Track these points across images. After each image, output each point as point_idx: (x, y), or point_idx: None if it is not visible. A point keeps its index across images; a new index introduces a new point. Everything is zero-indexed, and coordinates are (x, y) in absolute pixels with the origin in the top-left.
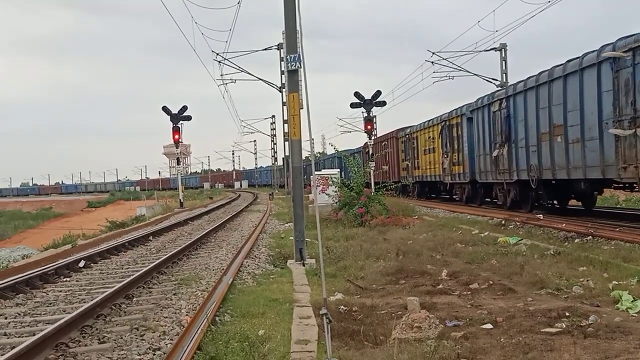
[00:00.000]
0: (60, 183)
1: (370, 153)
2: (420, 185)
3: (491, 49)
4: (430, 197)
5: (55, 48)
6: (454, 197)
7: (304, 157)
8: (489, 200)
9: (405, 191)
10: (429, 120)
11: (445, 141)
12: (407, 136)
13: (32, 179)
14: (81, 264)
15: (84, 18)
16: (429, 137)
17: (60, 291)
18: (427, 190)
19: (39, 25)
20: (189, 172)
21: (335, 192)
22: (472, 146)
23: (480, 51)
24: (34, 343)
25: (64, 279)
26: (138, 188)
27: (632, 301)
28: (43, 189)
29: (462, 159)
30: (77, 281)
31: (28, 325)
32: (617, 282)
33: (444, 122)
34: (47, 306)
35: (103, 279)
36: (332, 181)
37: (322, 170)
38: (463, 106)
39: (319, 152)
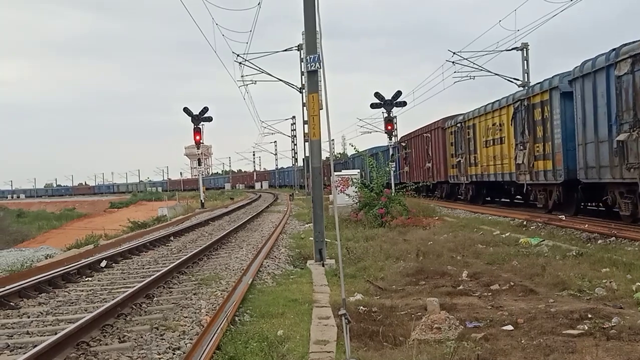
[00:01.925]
0: (95, 184)
1: (405, 149)
2: (475, 187)
3: (512, 49)
4: (490, 202)
5: (76, 50)
6: (535, 202)
7: (324, 157)
8: (592, 207)
9: (418, 192)
10: (493, 103)
11: (522, 128)
12: (459, 125)
13: (55, 179)
14: (103, 263)
15: (105, 20)
16: (494, 124)
17: (82, 291)
18: (486, 192)
19: (61, 27)
20: (210, 173)
21: (356, 192)
22: (569, 132)
23: (502, 51)
24: (56, 342)
25: (86, 279)
26: (158, 188)
27: None
28: (76, 190)
29: (551, 150)
30: (98, 281)
31: (50, 324)
32: None
33: (518, 103)
34: (69, 305)
35: (124, 279)
36: (352, 181)
37: (348, 170)
38: (553, 77)
39: (339, 153)
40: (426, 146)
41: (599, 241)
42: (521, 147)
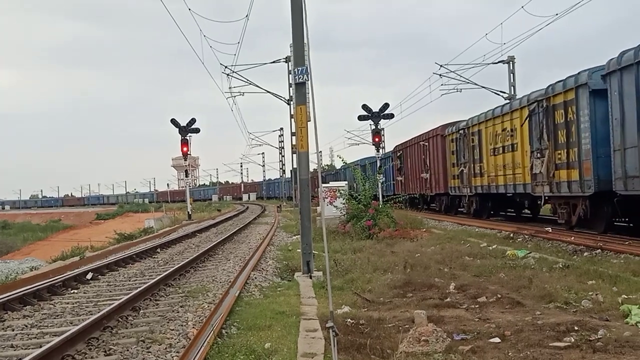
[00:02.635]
0: (82, 195)
1: (399, 159)
2: (480, 199)
3: (499, 62)
4: (494, 214)
5: (63, 59)
6: (550, 217)
7: (312, 169)
8: (625, 223)
9: (413, 204)
10: (503, 106)
11: (539, 133)
12: (461, 132)
13: (41, 191)
14: (89, 275)
15: (92, 29)
16: (504, 130)
17: (68, 303)
18: (492, 205)
19: (46, 36)
20: (197, 185)
21: (343, 204)
22: (601, 136)
23: (488, 64)
24: (40, 355)
25: (72, 291)
26: (145, 200)
27: None
28: (67, 201)
29: (576, 158)
30: (84, 293)
31: (35, 337)
32: (626, 296)
33: (535, 104)
34: (54, 318)
35: (110, 291)
36: (340, 193)
37: (336, 182)
38: (579, 73)
39: (327, 165)
40: (423, 155)
41: (585, 253)
42: (538, 155)
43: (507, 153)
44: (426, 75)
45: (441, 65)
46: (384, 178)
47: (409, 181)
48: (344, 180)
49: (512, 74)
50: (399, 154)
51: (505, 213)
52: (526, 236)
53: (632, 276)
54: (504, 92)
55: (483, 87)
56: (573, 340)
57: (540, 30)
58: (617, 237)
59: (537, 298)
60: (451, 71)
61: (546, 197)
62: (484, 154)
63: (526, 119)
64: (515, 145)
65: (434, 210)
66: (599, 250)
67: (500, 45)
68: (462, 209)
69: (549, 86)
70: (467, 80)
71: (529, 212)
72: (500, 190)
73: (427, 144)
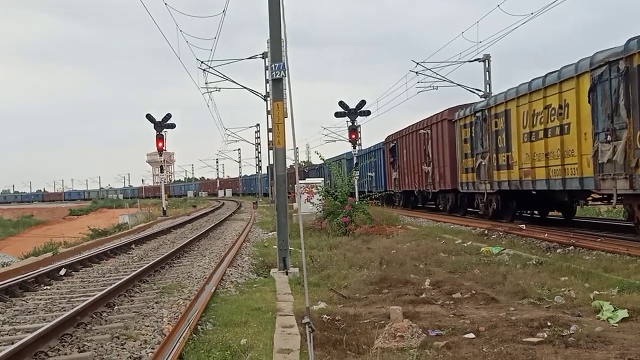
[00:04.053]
0: (62, 189)
1: (393, 151)
2: (503, 198)
3: (475, 60)
4: (526, 215)
5: (38, 56)
6: (630, 224)
7: (289, 165)
8: None
9: (390, 201)
10: (545, 76)
11: (612, 106)
12: (478, 115)
13: (13, 186)
14: (62, 272)
15: (68, 25)
16: (546, 108)
17: (41, 299)
18: (516, 204)
19: (23, 32)
20: (172, 180)
21: (320, 200)
22: None
23: (464, 62)
24: (13, 352)
25: (45, 287)
26: (127, 195)
27: (613, 311)
28: (47, 196)
29: None
30: (57, 289)
31: (7, 334)
32: (598, 292)
33: (606, 67)
34: (27, 314)
35: (84, 287)
36: (317, 189)
37: (312, 178)
38: None
39: (303, 161)
40: (424, 146)
41: (558, 250)
42: (608, 137)
43: (551, 137)
44: (402, 73)
45: (418, 63)
46: (373, 173)
47: (405, 176)
48: (328, 176)
49: (487, 72)
50: (392, 146)
51: (530, 215)
52: (500, 233)
53: (604, 272)
54: (479, 90)
55: (459, 84)
56: (546, 335)
57: (515, 29)
58: (590, 234)
59: (511, 294)
60: (428, 69)
61: (620, 197)
62: (513, 140)
63: (590, 89)
64: (567, 127)
65: (430, 209)
66: (572, 247)
67: (476, 44)
68: (477, 210)
69: (630, 40)
70: (443, 78)
71: (560, 214)
72: (539, 186)
73: (429, 131)
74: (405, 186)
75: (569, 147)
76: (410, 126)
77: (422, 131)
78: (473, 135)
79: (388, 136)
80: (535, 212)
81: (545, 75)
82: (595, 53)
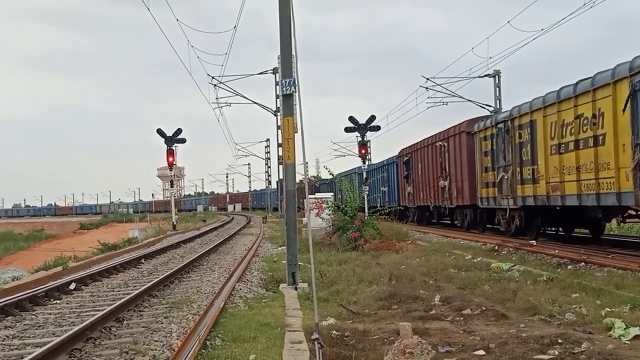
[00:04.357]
0: (73, 203)
1: (407, 165)
2: (526, 214)
3: (485, 75)
4: (550, 232)
5: (49, 67)
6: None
7: (298, 180)
8: None
9: (403, 216)
10: (576, 84)
11: None
12: (501, 126)
13: (24, 200)
14: (72, 286)
15: (78, 38)
16: (577, 117)
17: (50, 314)
18: (541, 221)
19: (33, 43)
20: (183, 195)
21: (329, 215)
22: None
23: (474, 77)
24: None
25: (54, 302)
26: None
27: (625, 328)
28: (59, 210)
29: None
30: (67, 303)
31: (16, 349)
32: (609, 309)
33: None
34: (36, 329)
35: (94, 302)
36: (326, 204)
37: (322, 193)
38: None
39: (313, 176)
40: (440, 159)
41: (569, 266)
42: None
43: (583, 149)
44: (412, 88)
45: (428, 79)
46: (386, 187)
47: (419, 190)
48: (339, 191)
49: (497, 88)
50: (406, 159)
51: (555, 232)
52: (511, 249)
53: (615, 289)
54: (490, 105)
55: (469, 100)
56: (557, 353)
57: (525, 45)
58: (601, 251)
59: (521, 311)
60: (437, 84)
61: None
62: (539, 152)
63: (630, 97)
64: (601, 138)
65: (445, 224)
66: (583, 263)
67: (487, 59)
68: (496, 226)
69: None
70: (453, 94)
71: (586, 231)
72: (569, 202)
73: (445, 144)
74: (420, 201)
75: (604, 159)
76: (425, 139)
77: (438, 144)
78: (494, 147)
79: (402, 149)
80: (560, 229)
81: (577, 83)
82: (635, 57)
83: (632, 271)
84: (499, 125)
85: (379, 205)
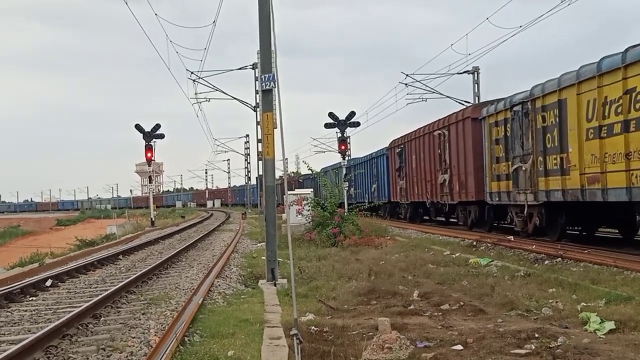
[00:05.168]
0: (58, 199)
1: (399, 157)
2: (548, 211)
3: (464, 72)
4: (573, 232)
5: (26, 64)
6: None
7: (277, 176)
8: None
9: (394, 213)
10: (625, 52)
11: None
12: (517, 109)
13: (0, 196)
14: (48, 282)
15: (56, 34)
16: (625, 94)
17: (26, 311)
18: (566, 219)
19: (12, 40)
20: (161, 191)
21: (309, 211)
22: None
23: (454, 74)
24: None
25: (30, 298)
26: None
27: (600, 323)
28: (40, 206)
29: None
30: (43, 300)
31: None
32: (585, 304)
33: None
34: (12, 326)
35: (70, 298)
36: (306, 200)
37: (301, 189)
38: None
39: (293, 172)
40: (438, 150)
41: (546, 262)
42: None
43: (635, 132)
44: (392, 84)
45: (407, 75)
46: (375, 182)
47: (414, 185)
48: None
49: (476, 84)
50: (398, 151)
51: (579, 232)
52: (489, 244)
53: (591, 284)
54: (468, 102)
55: (448, 96)
56: (533, 347)
57: (504, 42)
58: (577, 246)
59: (499, 306)
60: (417, 80)
61: None
62: (570, 138)
63: None
64: None
65: (441, 222)
66: (560, 258)
67: (466, 56)
68: (513, 226)
69: None
70: (432, 90)
71: (616, 231)
72: (612, 196)
73: (445, 132)
74: (414, 197)
75: None
76: (421, 128)
77: (437, 133)
78: (508, 134)
79: (393, 140)
80: (580, 228)
81: (625, 51)
82: None
83: (608, 266)
84: (515, 108)
85: (367, 201)
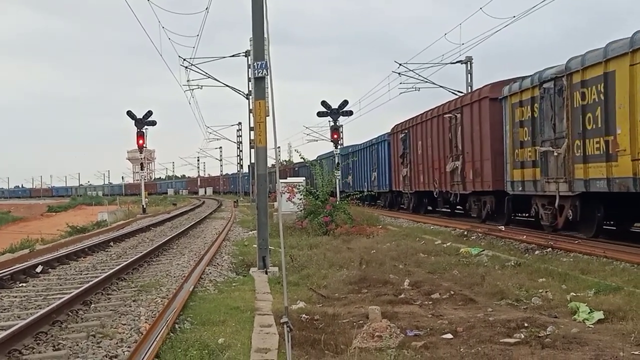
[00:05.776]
0: (50, 185)
1: (403, 142)
2: (582, 204)
3: (457, 62)
4: (607, 227)
5: (14, 49)
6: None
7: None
8: None
9: (395, 203)
10: None
11: None
12: (547, 86)
13: None
14: (38, 269)
15: (45, 19)
16: None
17: (16, 297)
18: (604, 213)
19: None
20: (153, 178)
21: (301, 200)
22: None
23: (447, 63)
24: None
25: (20, 285)
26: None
27: (589, 312)
28: (35, 192)
29: None
30: (33, 287)
31: None
32: (574, 294)
33: None
34: (1, 312)
35: (61, 285)
36: (298, 189)
37: (293, 178)
38: None
39: (285, 160)
40: (449, 134)
41: (536, 252)
42: None
43: None
44: (385, 73)
45: (400, 64)
46: (375, 170)
47: (419, 173)
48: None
49: (469, 74)
50: (401, 136)
51: (615, 227)
52: (480, 234)
53: (581, 274)
54: (461, 92)
55: (441, 86)
56: (523, 336)
57: (498, 32)
58: (568, 237)
59: (489, 295)
60: (410, 70)
61: None
62: (619, 117)
63: None
64: None
65: (444, 213)
66: (550, 248)
67: (459, 46)
68: (541, 220)
69: None
70: (425, 80)
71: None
72: None
73: (457, 115)
74: (419, 186)
75: None
76: (428, 110)
77: (447, 116)
78: (536, 115)
79: (396, 125)
80: (613, 223)
81: None
82: None
83: (597, 257)
84: (545, 85)
85: (366, 190)
